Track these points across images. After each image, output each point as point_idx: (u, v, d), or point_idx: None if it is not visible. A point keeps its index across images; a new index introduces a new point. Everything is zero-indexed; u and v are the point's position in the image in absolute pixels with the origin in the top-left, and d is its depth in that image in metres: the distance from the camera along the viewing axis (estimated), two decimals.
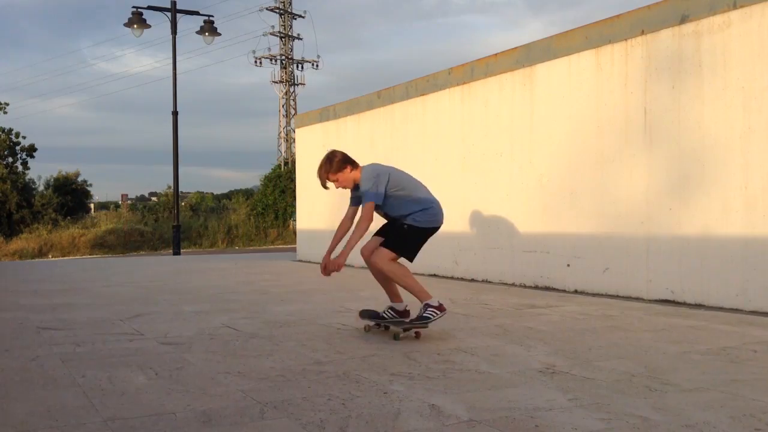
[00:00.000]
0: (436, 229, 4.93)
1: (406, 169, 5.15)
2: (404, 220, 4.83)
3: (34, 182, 41.25)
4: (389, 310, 5.01)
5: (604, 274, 7.25)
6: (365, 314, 5.14)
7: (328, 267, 4.79)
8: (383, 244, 4.83)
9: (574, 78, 7.61)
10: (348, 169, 4.88)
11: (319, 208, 12.93)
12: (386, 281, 4.98)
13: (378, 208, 4.84)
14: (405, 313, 4.98)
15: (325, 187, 5.05)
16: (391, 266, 4.78)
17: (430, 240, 4.92)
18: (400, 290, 4.99)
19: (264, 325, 5.38)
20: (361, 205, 4.80)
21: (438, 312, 4.75)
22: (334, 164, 4.87)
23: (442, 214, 4.94)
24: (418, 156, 10.03)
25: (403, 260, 4.86)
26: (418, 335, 4.81)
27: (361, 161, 5.03)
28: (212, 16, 20.40)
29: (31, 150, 40.05)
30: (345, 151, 5.00)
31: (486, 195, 8.86)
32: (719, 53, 6.19)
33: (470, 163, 9.13)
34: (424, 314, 4.73)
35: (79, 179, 42.69)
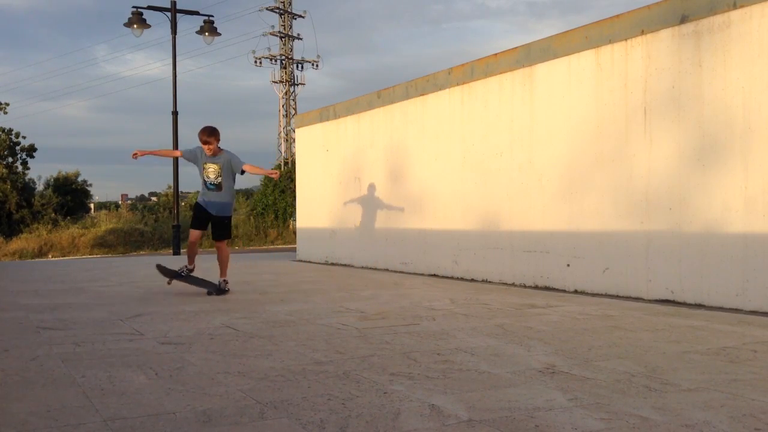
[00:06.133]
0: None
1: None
2: (227, 213, 7.46)
3: (34, 182, 41.32)
4: (185, 269, 7.48)
5: (604, 274, 7.25)
6: (166, 272, 7.43)
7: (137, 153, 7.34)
8: (222, 237, 7.51)
9: (574, 78, 7.61)
10: (218, 142, 7.30)
11: (318, 207, 12.93)
12: (193, 251, 7.49)
13: (211, 173, 7.33)
14: (192, 270, 7.55)
15: (205, 143, 7.25)
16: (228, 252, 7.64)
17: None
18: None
19: (264, 325, 5.38)
20: (242, 165, 7.32)
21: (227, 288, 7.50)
22: (218, 135, 7.26)
23: None
24: (418, 156, 10.03)
25: None
26: (210, 294, 7.28)
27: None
28: (212, 16, 20.43)
29: (31, 150, 40.08)
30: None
31: (486, 195, 8.86)
32: (719, 53, 6.19)
33: (470, 163, 9.13)
34: (224, 288, 7.43)
35: (79, 179, 42.73)
